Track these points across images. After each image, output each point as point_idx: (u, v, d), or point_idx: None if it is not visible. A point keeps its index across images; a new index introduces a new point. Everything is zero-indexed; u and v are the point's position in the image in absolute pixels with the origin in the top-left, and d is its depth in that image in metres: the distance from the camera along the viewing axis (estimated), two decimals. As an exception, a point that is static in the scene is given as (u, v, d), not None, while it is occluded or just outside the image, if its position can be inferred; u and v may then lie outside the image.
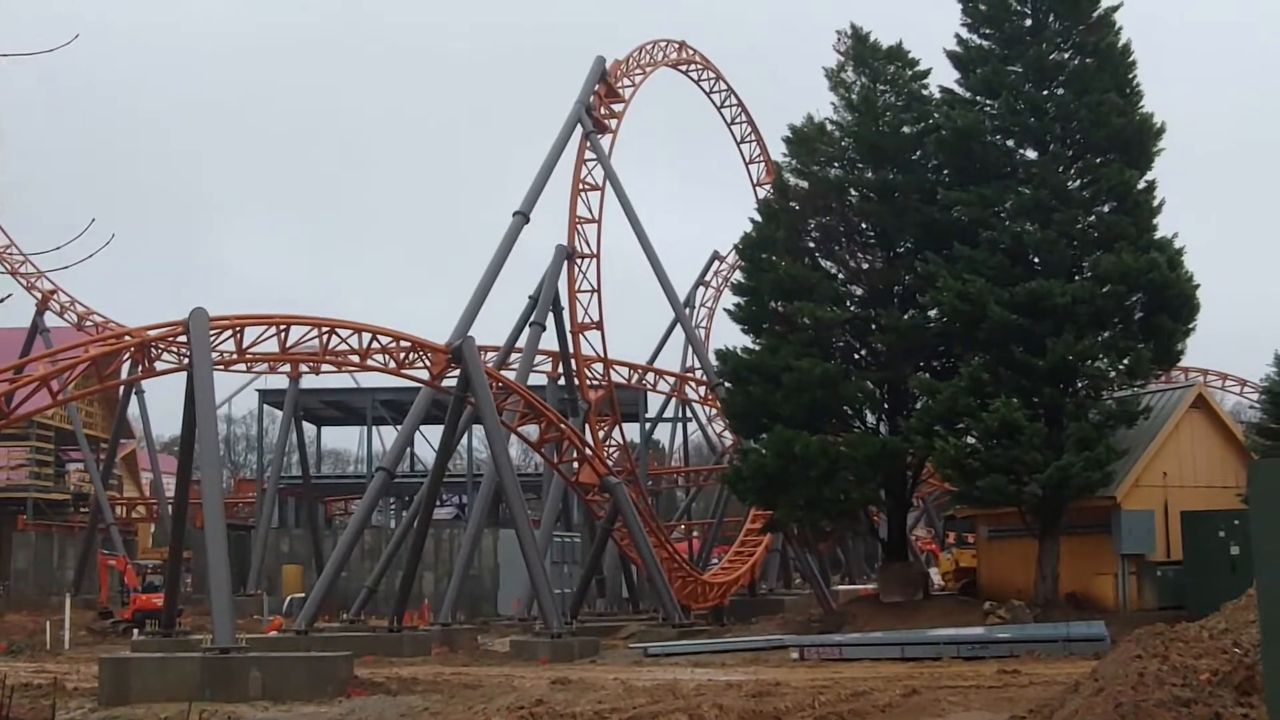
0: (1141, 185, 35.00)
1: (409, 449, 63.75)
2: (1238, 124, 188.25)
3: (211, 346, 32.56)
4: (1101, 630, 28.49)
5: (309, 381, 61.57)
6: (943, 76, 38.20)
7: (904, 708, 19.43)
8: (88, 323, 64.05)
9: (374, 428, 73.97)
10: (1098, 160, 34.96)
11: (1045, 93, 35.48)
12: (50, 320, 64.41)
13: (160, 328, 33.04)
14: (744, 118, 62.35)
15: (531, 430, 42.35)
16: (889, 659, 28.99)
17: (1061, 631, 29.51)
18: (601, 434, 51.29)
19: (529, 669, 30.12)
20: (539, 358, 53.10)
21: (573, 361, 50.75)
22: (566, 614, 40.42)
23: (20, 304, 63.03)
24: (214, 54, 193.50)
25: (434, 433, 49.41)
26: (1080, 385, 34.29)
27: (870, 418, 38.98)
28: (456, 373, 37.82)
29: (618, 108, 53.45)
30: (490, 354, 51.02)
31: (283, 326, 35.94)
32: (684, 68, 60.11)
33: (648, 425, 74.93)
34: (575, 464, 42.89)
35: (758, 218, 40.22)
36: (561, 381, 53.41)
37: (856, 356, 38.98)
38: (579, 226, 50.13)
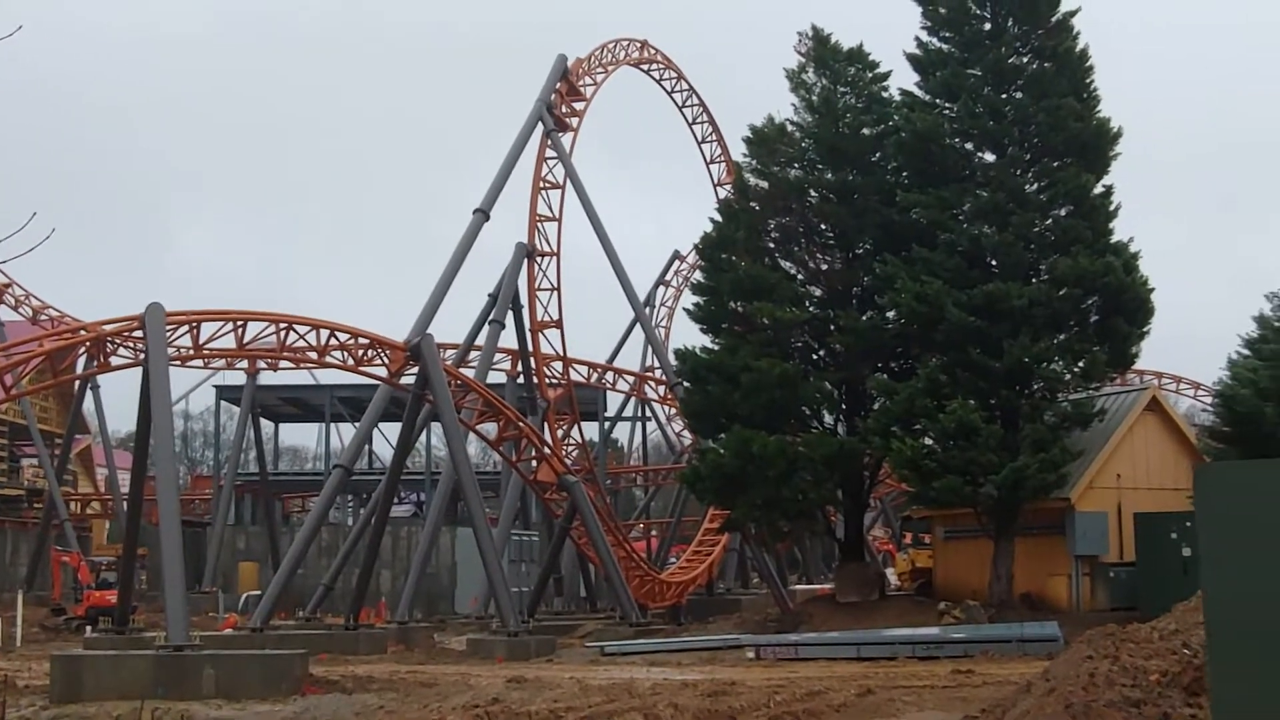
0: (1099, 189, 35.29)
1: (367, 446, 63.52)
2: (1203, 130, 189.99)
3: (168, 342, 32.29)
4: (1055, 631, 28.68)
5: (267, 378, 61.22)
6: (903, 79, 38.43)
7: (859, 707, 19.49)
8: (43, 316, 63.43)
9: (332, 424, 73.59)
10: (1055, 164, 35.20)
11: (1004, 96, 35.70)
12: (4, 314, 63.84)
13: (116, 322, 32.75)
14: (705, 117, 62.47)
15: (490, 428, 42.22)
16: (845, 659, 29.06)
17: (1015, 632, 29.70)
18: (560, 432, 51.27)
19: (485, 667, 30.06)
20: (498, 356, 53.02)
21: (532, 360, 50.68)
22: (524, 612, 40.39)
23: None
24: (177, 47, 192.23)
25: (392, 430, 49.18)
26: (1036, 387, 34.53)
27: (828, 418, 39.15)
28: (415, 370, 37.69)
29: (579, 106, 53.42)
30: (449, 352, 50.90)
31: (240, 322, 35.71)
32: (646, 67, 60.13)
33: (606, 424, 74.97)
34: (534, 462, 42.84)
35: (718, 218, 40.30)
36: (520, 380, 53.34)
37: (815, 357, 39.12)
38: (539, 224, 50.07)
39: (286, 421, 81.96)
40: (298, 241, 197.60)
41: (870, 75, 39.42)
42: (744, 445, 34.92)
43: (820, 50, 39.57)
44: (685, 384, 40.67)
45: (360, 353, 37.80)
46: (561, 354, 51.98)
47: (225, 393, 70.07)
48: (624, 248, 50.78)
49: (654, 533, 73.60)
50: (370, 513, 44.56)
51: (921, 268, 34.44)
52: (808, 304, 38.64)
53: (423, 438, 64.12)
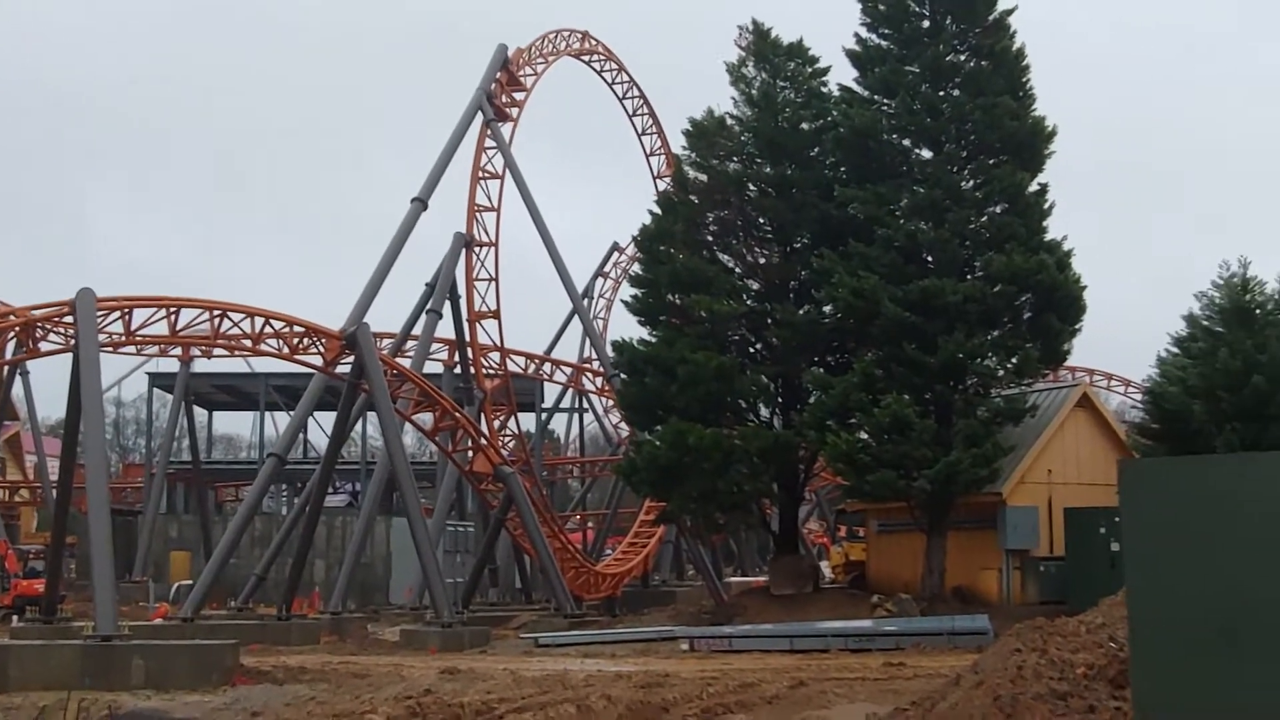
0: (1033, 187, 35.66)
1: (302, 435, 63.04)
2: (1119, 130, 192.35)
3: (99, 328, 31.90)
4: (985, 624, 28.99)
5: (200, 365, 60.58)
6: (842, 75, 38.63)
7: (791, 699, 19.58)
8: (-30, 302, 62.44)
9: (266, 413, 73.02)
10: (991, 162, 35.54)
11: (941, 94, 35.97)
12: (-70, 300, 62.73)
13: (46, 308, 32.30)
14: (645, 109, 62.48)
15: (426, 418, 42.02)
16: (778, 651, 29.23)
17: (946, 625, 30.00)
18: (497, 423, 51.12)
19: (418, 658, 29.93)
20: (435, 346, 52.74)
21: (469, 350, 50.47)
22: (458, 603, 40.24)
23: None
24: (112, 30, 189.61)
25: (327, 419, 48.82)
26: (970, 383, 34.85)
27: (764, 411, 39.32)
28: (351, 359, 37.44)
29: (519, 96, 53.23)
30: (386, 341, 50.62)
31: (173, 309, 35.31)
32: (587, 58, 60.05)
33: (544, 415, 74.88)
34: (470, 453, 42.69)
35: (657, 210, 40.35)
36: (457, 370, 53.10)
37: (752, 350, 39.27)
38: (478, 214, 49.87)
39: (220, 409, 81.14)
40: (231, 229, 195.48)
41: (810, 70, 39.60)
42: (680, 437, 35.00)
43: (760, 44, 39.70)
44: (622, 376, 40.69)
45: (296, 341, 37.49)
46: (499, 344, 51.83)
47: (158, 380, 69.31)
48: (563, 239, 50.76)
49: (590, 524, 73.50)
50: (304, 502, 44.24)
51: (858, 263, 34.64)
52: (745, 297, 38.80)
53: (358, 427, 63.82)
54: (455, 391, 50.27)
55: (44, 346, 32.91)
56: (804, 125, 38.74)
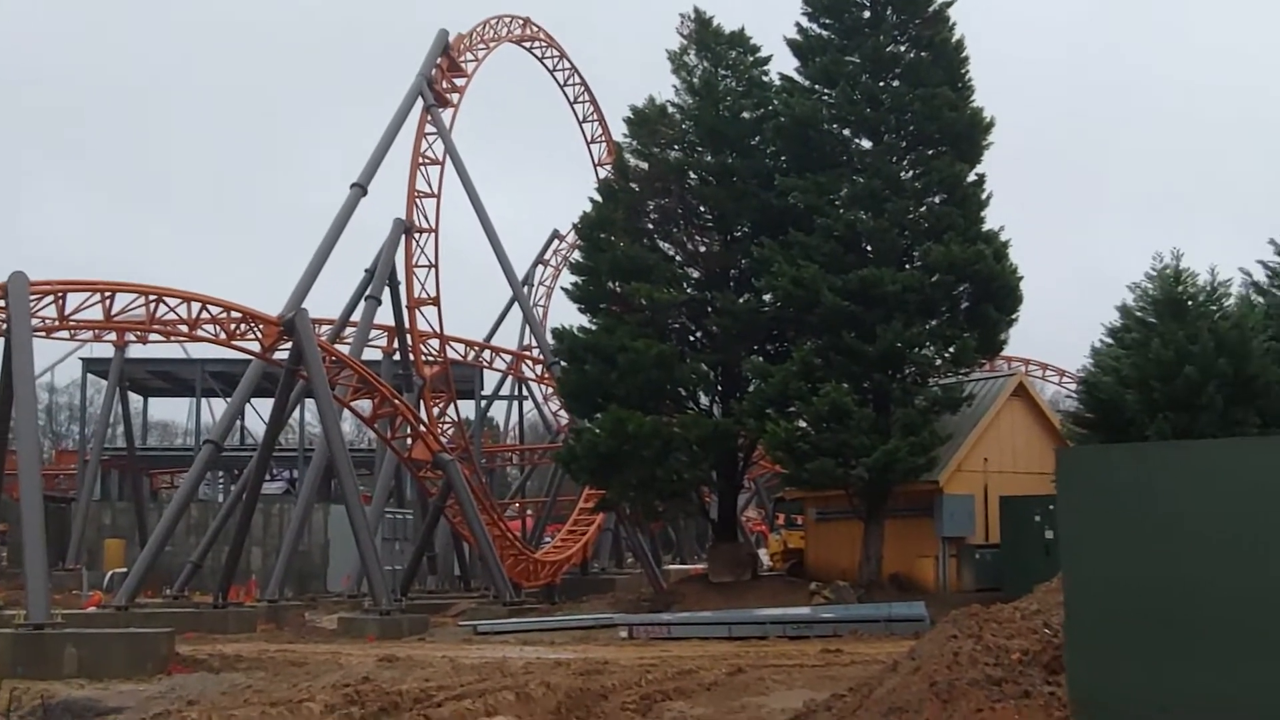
0: (971, 178, 35.88)
1: (239, 422, 62.58)
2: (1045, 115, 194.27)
3: (32, 312, 31.50)
4: (921, 611, 29.23)
5: (136, 350, 59.94)
6: (783, 64, 38.70)
7: (729, 686, 19.65)
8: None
9: (203, 399, 72.41)
10: (930, 152, 35.76)
11: (881, 84, 36.11)
12: None
13: (-24, 292, 31.85)
14: (586, 97, 62.37)
15: (365, 405, 41.83)
16: (716, 638, 29.34)
17: (883, 612, 30.22)
18: (436, 411, 50.93)
19: (357, 646, 29.82)
20: (374, 332, 52.49)
21: (408, 337, 50.27)
22: (397, 591, 40.11)
23: None
24: (41, 10, 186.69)
25: (265, 406, 48.51)
26: (908, 372, 35.09)
27: (704, 399, 39.42)
28: (289, 345, 37.19)
29: (460, 82, 52.99)
30: (324, 327, 50.29)
31: (108, 294, 34.95)
32: (528, 44, 59.88)
33: (483, 403, 74.70)
34: (409, 440, 42.55)
35: (598, 198, 40.29)
36: (396, 357, 52.87)
37: (692, 338, 39.33)
38: (418, 200, 49.63)
39: (156, 395, 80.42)
40: (167, 214, 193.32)
41: (751, 59, 39.68)
42: (620, 425, 35.01)
43: (702, 32, 39.74)
44: (562, 363, 40.65)
45: (233, 326, 37.19)
46: (438, 331, 51.64)
47: (92, 365, 68.53)
48: (503, 225, 50.61)
49: (529, 512, 73.48)
50: (241, 489, 43.91)
51: (798, 252, 34.77)
52: (685, 285, 38.84)
53: (296, 414, 63.36)
54: (394, 378, 50.06)
55: (-25, 331, 32.44)
56: (745, 114, 38.83)
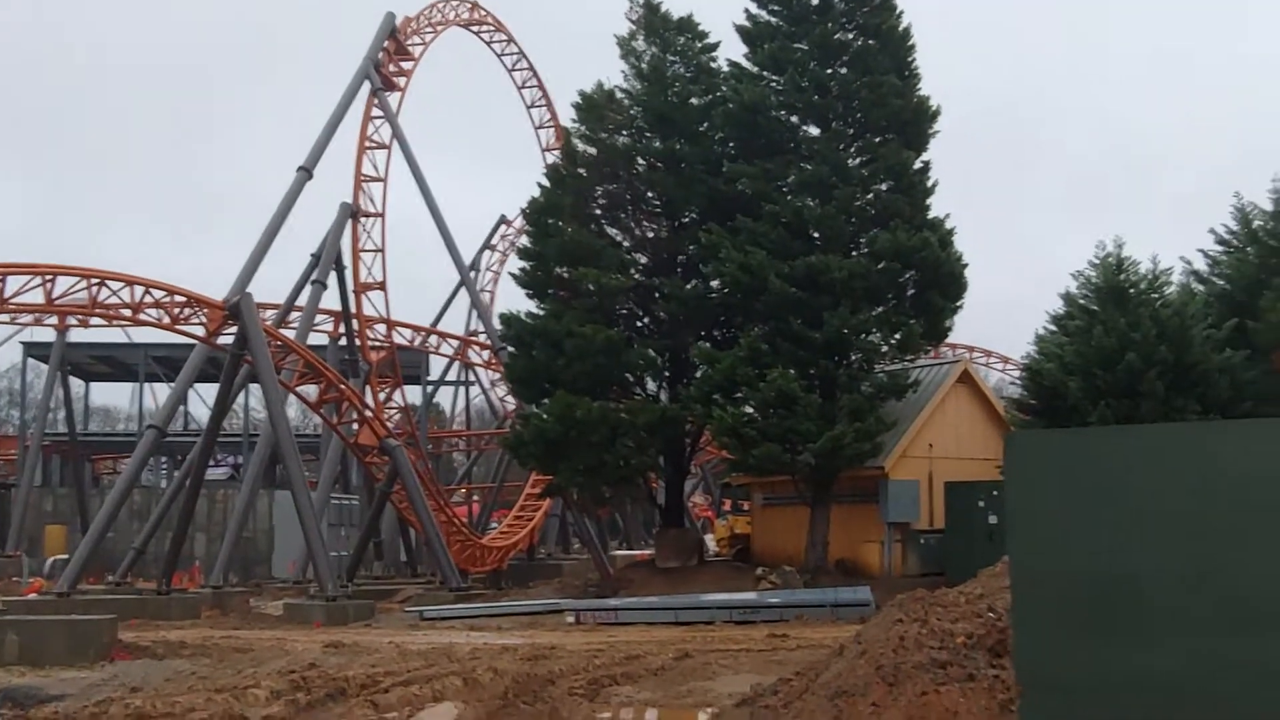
0: (917, 166, 36.08)
1: (182, 407, 62.01)
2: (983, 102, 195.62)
3: (-29, 296, 31.11)
4: (867, 595, 29.39)
5: (77, 335, 59.25)
6: (732, 50, 38.75)
7: (676, 670, 19.73)
8: None
9: (146, 384, 71.67)
10: (877, 140, 35.93)
11: (829, 71, 36.24)
12: None
13: (-86, 275, 31.43)
14: (534, 82, 62.28)
15: (310, 390, 41.53)
16: (663, 623, 29.38)
17: (829, 597, 30.36)
18: (382, 396, 50.74)
19: (302, 632, 29.68)
20: (320, 317, 52.19)
21: (355, 322, 50.02)
22: (342, 577, 39.93)
23: None
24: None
25: (209, 390, 48.11)
26: (854, 358, 35.25)
27: (651, 385, 39.46)
28: (234, 330, 36.90)
29: (407, 66, 52.72)
30: (269, 312, 49.98)
31: (49, 277, 34.55)
32: (475, 28, 59.65)
33: (430, 388, 74.43)
34: (355, 425, 42.35)
35: (545, 183, 40.19)
36: (343, 342, 52.59)
37: (640, 324, 39.37)
38: (364, 185, 49.36)
39: (98, 380, 79.57)
40: (106, 197, 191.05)
41: (700, 45, 39.71)
42: (567, 411, 34.99)
43: (651, 18, 39.71)
44: (510, 349, 40.55)
45: (176, 311, 36.85)
46: (385, 316, 51.45)
47: (33, 349, 67.60)
48: (450, 210, 50.68)
49: (476, 498, 73.38)
50: (185, 475, 43.53)
51: (746, 238, 34.85)
52: (633, 271, 38.84)
53: (241, 399, 62.87)
54: (340, 363, 49.82)
55: (-88, 314, 32.02)
56: (693, 100, 38.83)
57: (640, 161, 38.83)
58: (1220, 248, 36.72)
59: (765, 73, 37.12)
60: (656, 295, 37.79)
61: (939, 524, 35.82)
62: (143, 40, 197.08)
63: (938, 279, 35.12)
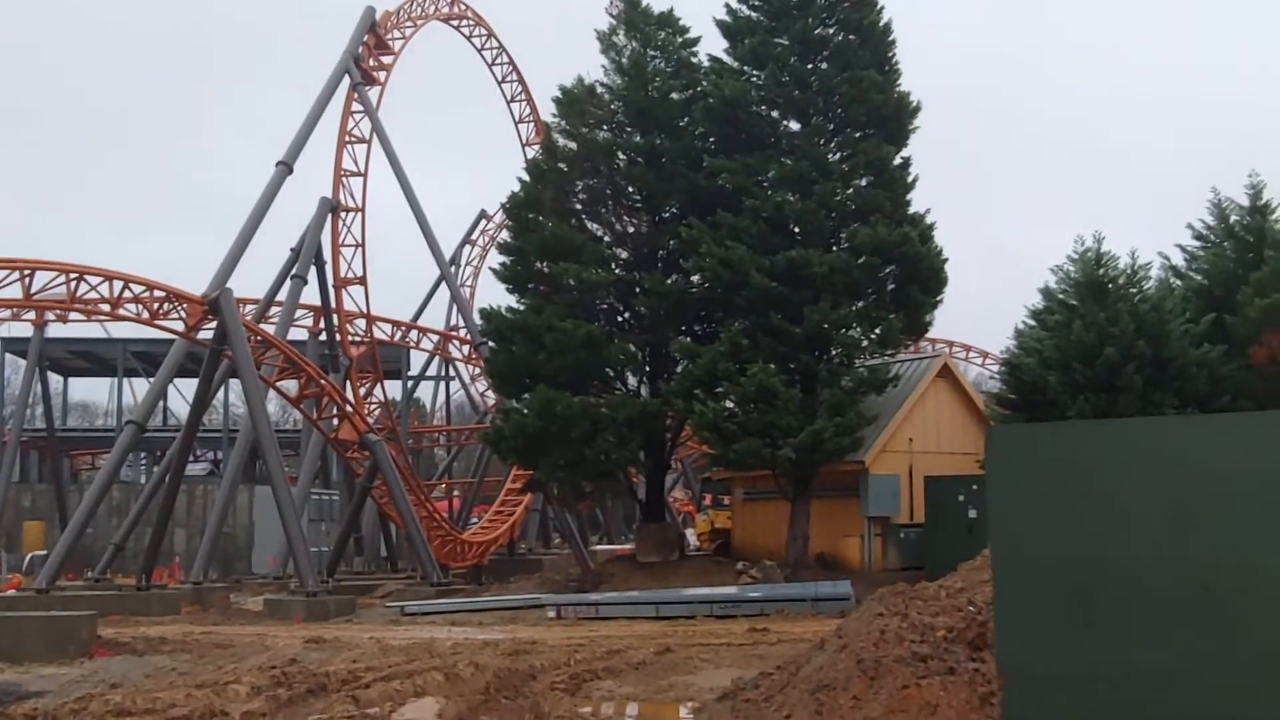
0: (897, 161, 36.19)
1: (162, 402, 61.79)
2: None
3: (-52, 291, 30.96)
4: (847, 589, 29.46)
5: (55, 330, 58.91)
6: (712, 45, 38.78)
7: (657, 665, 19.76)
8: None
9: (125, 379, 71.36)
10: (857, 135, 36.00)
11: (810, 66, 36.28)
12: None
13: (-109, 269, 31.25)
14: (515, 76, 62.16)
15: (290, 385, 41.46)
16: (644, 618, 29.44)
17: (810, 591, 30.42)
18: (362, 391, 50.63)
19: (283, 628, 29.63)
20: (300, 312, 51.98)
21: (335, 316, 49.88)
22: (323, 572, 39.88)
23: None
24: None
25: (188, 386, 47.95)
26: (834, 353, 35.32)
27: (632, 380, 39.47)
28: (213, 325, 36.79)
29: (387, 60, 52.56)
30: (249, 307, 49.80)
31: (27, 271, 34.39)
32: (455, 22, 59.53)
33: (410, 383, 74.31)
34: (335, 421, 42.25)
35: (526, 178, 40.17)
36: (323, 337, 52.42)
37: (620, 319, 39.38)
38: (344, 179, 49.22)
39: (76, 375, 79.16)
40: (87, 192, 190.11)
41: (680, 40, 39.74)
42: (548, 406, 34.98)
43: (631, 12, 39.72)
44: (490, 344, 40.50)
45: (156, 306, 36.73)
46: (365, 311, 51.30)
47: (10, 345, 67.21)
48: (430, 205, 50.35)
49: (456, 493, 73.22)
50: (164, 470, 43.40)
51: (726, 233, 34.89)
52: (614, 266, 38.88)
53: (220, 394, 62.66)
54: (320, 358, 49.65)
55: (-111, 309, 31.85)
56: (674, 95, 38.85)
57: (620, 156, 38.84)
58: (1198, 243, 36.94)
59: (746, 68, 37.18)
60: (637, 290, 37.79)
61: (919, 518, 35.96)
62: (122, 34, 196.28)
63: (918, 274, 35.22)
